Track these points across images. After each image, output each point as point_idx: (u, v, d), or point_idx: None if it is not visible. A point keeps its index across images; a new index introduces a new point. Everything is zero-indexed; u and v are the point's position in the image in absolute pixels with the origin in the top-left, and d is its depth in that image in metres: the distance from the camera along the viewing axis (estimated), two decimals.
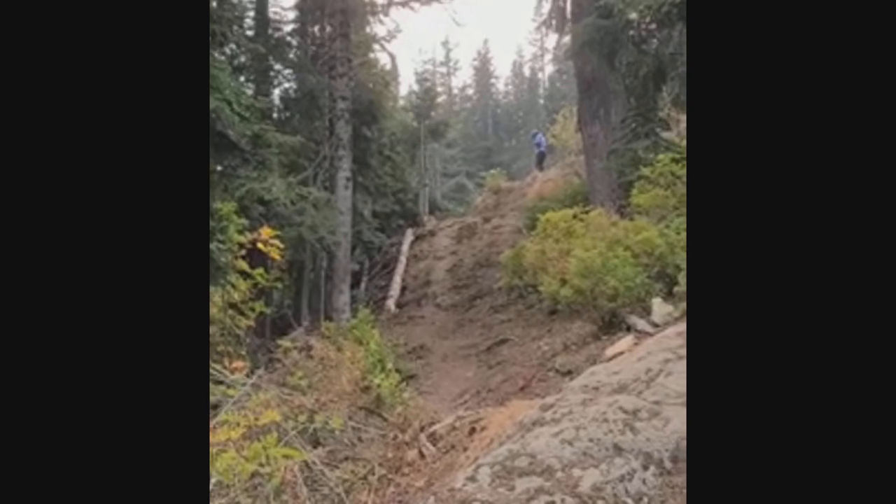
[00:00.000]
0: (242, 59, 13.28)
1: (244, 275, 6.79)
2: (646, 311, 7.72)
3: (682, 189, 8.65)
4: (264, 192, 8.02)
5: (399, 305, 15.83)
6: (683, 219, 8.15)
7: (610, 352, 6.76)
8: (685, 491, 3.67)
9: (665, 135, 10.84)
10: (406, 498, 4.39)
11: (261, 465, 3.70)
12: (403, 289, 16.53)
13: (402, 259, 17.36)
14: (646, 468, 3.71)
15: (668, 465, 3.74)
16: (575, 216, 9.73)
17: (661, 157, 9.15)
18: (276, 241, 6.18)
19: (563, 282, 8.47)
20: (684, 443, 3.82)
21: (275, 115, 14.17)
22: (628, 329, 7.55)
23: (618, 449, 3.75)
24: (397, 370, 7.42)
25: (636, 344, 6.44)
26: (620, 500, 3.57)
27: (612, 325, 7.94)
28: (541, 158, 22.51)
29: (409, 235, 18.38)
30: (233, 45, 11.62)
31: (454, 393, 9.06)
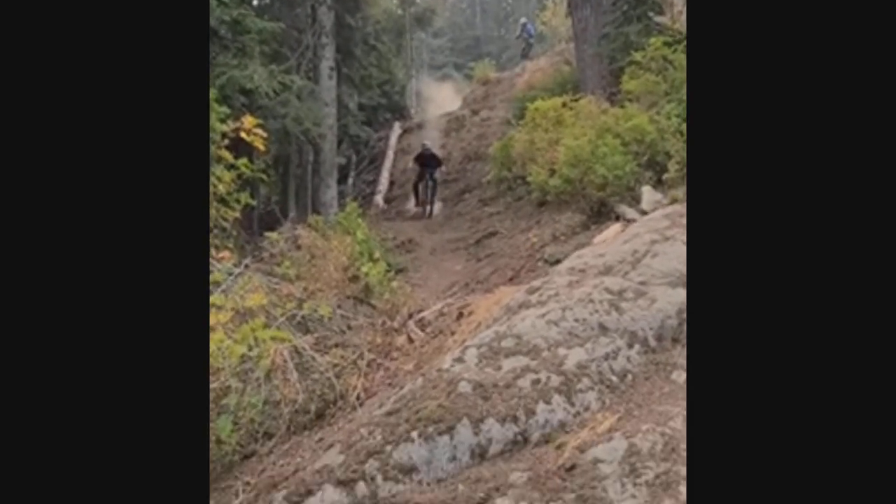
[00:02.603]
0: None
1: (228, 166, 6.68)
2: (635, 200, 7.69)
3: (674, 74, 8.45)
4: (245, 81, 7.77)
5: (387, 200, 15.77)
6: (674, 105, 8.00)
7: (598, 240, 6.77)
8: (668, 368, 3.74)
9: (658, 18, 10.49)
10: (395, 381, 4.47)
11: (249, 347, 3.73)
12: (391, 183, 16.42)
13: (390, 153, 17.17)
14: (630, 346, 3.76)
15: (652, 343, 3.80)
16: (564, 104, 9.53)
17: (652, 40, 8.89)
18: (260, 131, 6.03)
19: (552, 172, 8.39)
20: (669, 321, 3.87)
21: (254, 1, 13.63)
22: (617, 218, 7.54)
23: (603, 328, 3.80)
24: (387, 264, 7.43)
25: (624, 232, 6.45)
26: (605, 377, 3.64)
27: (601, 215, 7.93)
28: (527, 48, 21.96)
29: (397, 129, 18.10)
30: None
31: (443, 285, 9.14)
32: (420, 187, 14.57)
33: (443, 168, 14.88)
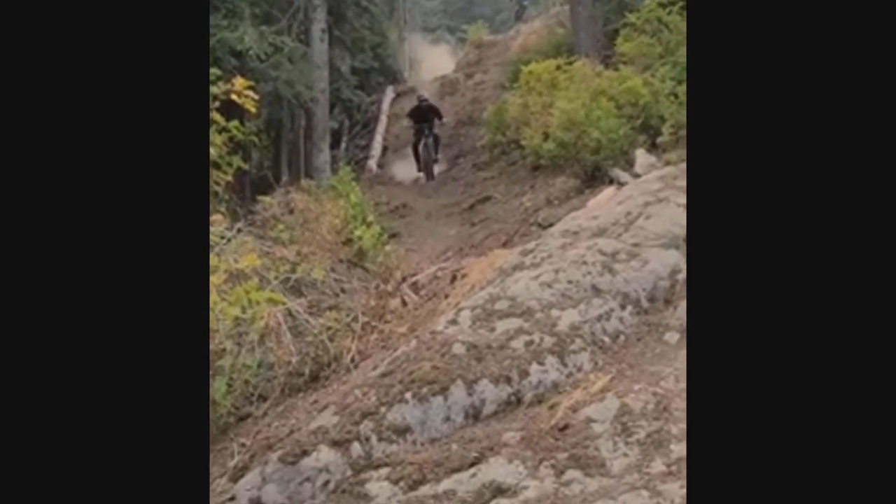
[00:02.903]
0: None
1: (220, 129, 6.61)
2: (629, 164, 7.68)
3: (668, 36, 8.38)
4: (236, 42, 7.66)
5: (380, 165, 15.67)
6: (669, 67, 7.95)
7: (592, 204, 6.76)
8: (660, 329, 3.77)
9: None
10: (389, 343, 4.49)
11: (243, 309, 3.73)
12: (385, 148, 16.30)
13: (383, 118, 17.00)
14: (623, 308, 3.79)
15: (645, 304, 3.82)
16: (558, 67, 9.46)
17: (647, 2, 8.79)
18: (251, 93, 5.94)
19: (546, 136, 8.36)
20: (662, 283, 3.89)
21: None
22: (611, 182, 7.54)
23: (596, 290, 3.81)
24: (380, 228, 7.42)
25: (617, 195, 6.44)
26: (598, 338, 3.67)
27: (594, 179, 7.93)
28: (521, 10, 21.72)
29: (390, 93, 17.90)
30: None
31: (437, 250, 9.14)
32: (420, 148, 12.87)
33: (444, 120, 13.27)
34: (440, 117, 13.09)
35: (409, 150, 13.81)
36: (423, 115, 12.89)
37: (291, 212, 6.62)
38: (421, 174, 12.98)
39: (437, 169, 13.05)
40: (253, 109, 6.09)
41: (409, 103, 16.77)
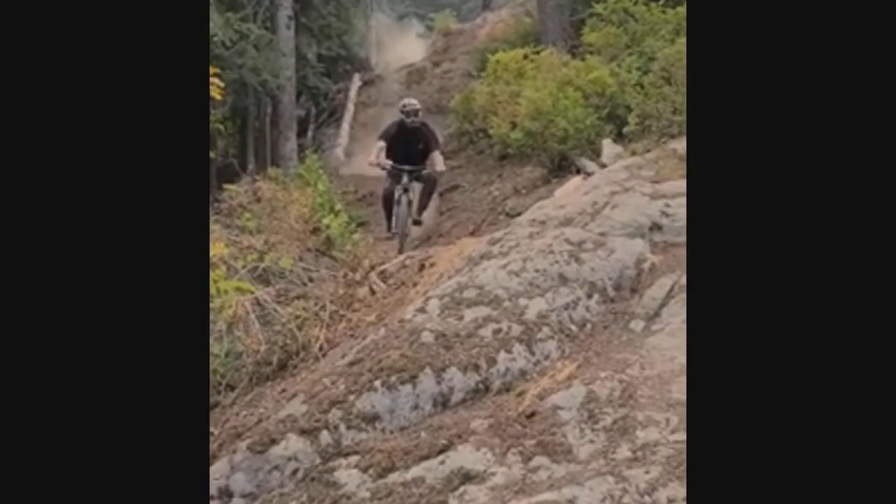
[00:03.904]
0: None
1: None
2: (596, 154, 7.74)
3: (634, 27, 8.45)
4: None
5: (348, 154, 15.57)
6: (635, 57, 8.02)
7: (559, 193, 6.82)
8: (626, 317, 3.83)
9: None
10: (358, 332, 4.48)
11: (211, 298, 3.70)
12: (352, 136, 16.21)
13: (350, 106, 16.86)
14: (590, 296, 3.83)
15: (611, 292, 3.87)
16: (526, 56, 9.48)
17: None
18: (217, 81, 5.88)
19: (514, 125, 8.38)
20: (628, 271, 3.94)
21: None
22: (578, 171, 7.60)
23: (563, 279, 3.85)
24: (348, 217, 7.37)
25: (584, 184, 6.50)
26: (565, 327, 3.71)
27: (562, 168, 7.99)
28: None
29: (357, 81, 17.75)
30: None
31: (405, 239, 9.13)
32: (396, 197, 7.30)
33: (442, 153, 7.81)
34: (436, 147, 7.56)
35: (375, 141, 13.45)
36: (407, 138, 7.31)
37: (258, 200, 6.56)
38: (393, 233, 7.38)
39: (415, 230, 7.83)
40: (219, 97, 6.03)
41: (375, 91, 16.65)
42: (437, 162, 7.49)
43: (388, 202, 7.50)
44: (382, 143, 7.37)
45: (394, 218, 7.35)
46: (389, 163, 7.32)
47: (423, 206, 7.62)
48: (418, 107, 7.94)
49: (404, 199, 7.28)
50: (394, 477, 2.92)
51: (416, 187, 7.49)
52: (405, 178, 7.32)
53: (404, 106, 7.77)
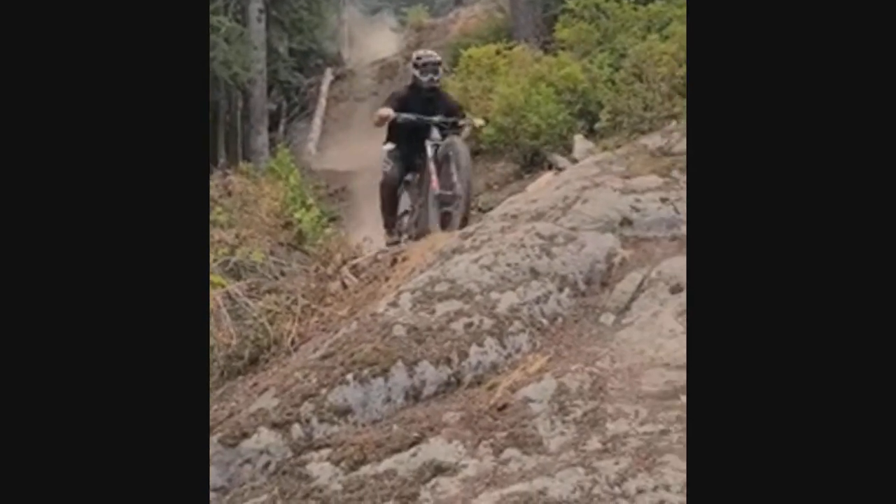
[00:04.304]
0: None
1: None
2: (567, 150, 7.82)
3: (606, 23, 8.53)
4: None
5: (320, 149, 15.50)
6: (607, 54, 8.09)
7: (531, 188, 6.86)
8: (597, 311, 3.87)
9: None
10: (330, 326, 4.47)
11: None
12: (324, 131, 16.13)
13: (322, 100, 16.80)
14: (561, 290, 3.86)
15: (582, 286, 3.91)
16: (498, 52, 9.53)
17: None
18: None
19: (486, 121, 8.42)
20: (598, 266, 3.98)
21: None
22: (550, 167, 7.66)
23: (534, 273, 3.88)
24: (320, 211, 7.37)
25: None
26: (536, 320, 3.73)
27: (534, 164, 8.06)
28: None
29: (329, 75, 17.69)
30: None
31: (378, 235, 9.12)
32: (405, 192, 5.76)
33: (471, 123, 6.00)
34: (457, 112, 5.90)
35: (348, 133, 13.19)
36: (423, 108, 5.56)
37: (230, 194, 6.53)
38: (401, 236, 5.89)
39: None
40: None
41: (348, 86, 16.58)
42: (466, 129, 5.57)
43: (391, 192, 5.47)
44: (388, 110, 5.42)
45: (403, 213, 5.45)
46: (405, 115, 5.20)
47: (466, 202, 5.27)
48: (438, 58, 5.77)
49: (433, 169, 4.99)
50: (366, 469, 2.92)
51: (461, 149, 5.14)
52: (434, 133, 5.28)
53: (419, 58, 5.66)
